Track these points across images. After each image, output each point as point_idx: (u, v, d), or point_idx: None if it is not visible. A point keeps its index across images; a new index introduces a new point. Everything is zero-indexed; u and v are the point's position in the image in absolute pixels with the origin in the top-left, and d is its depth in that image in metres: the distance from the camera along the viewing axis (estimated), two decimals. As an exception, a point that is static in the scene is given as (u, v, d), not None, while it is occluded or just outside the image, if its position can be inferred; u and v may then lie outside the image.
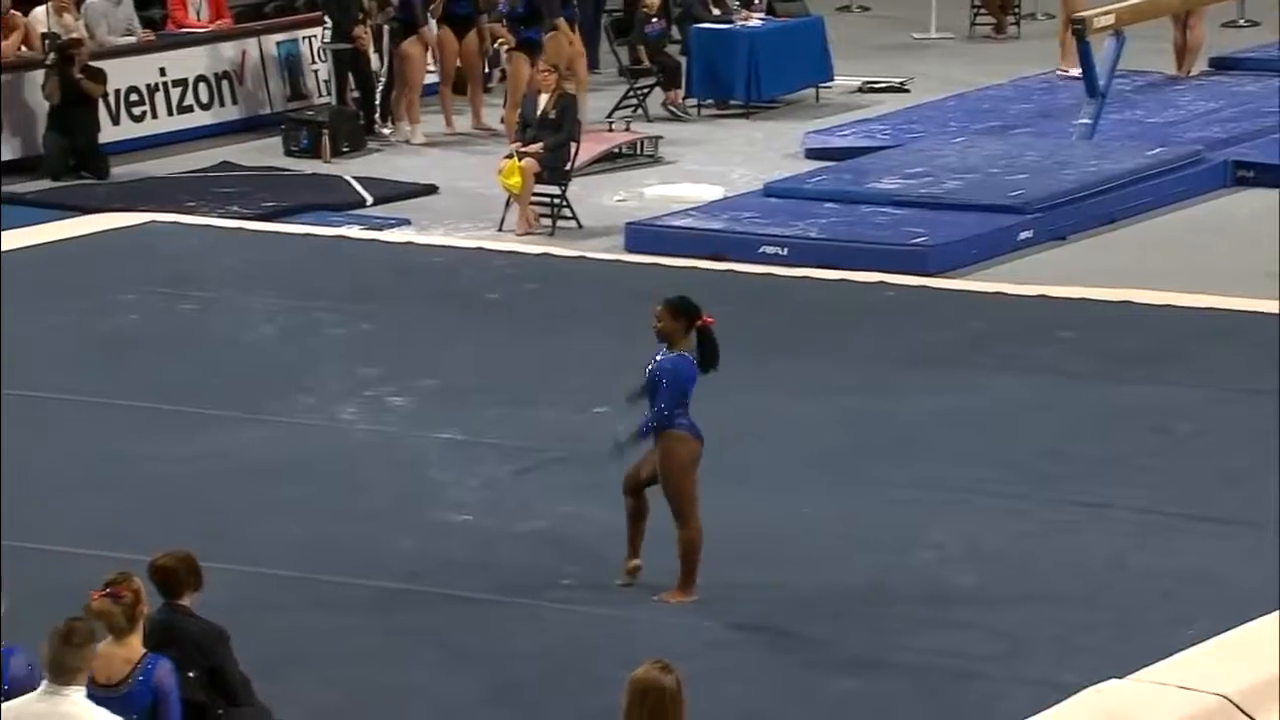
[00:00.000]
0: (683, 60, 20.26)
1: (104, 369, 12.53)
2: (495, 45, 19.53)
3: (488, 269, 14.74)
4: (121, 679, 6.73)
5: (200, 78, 19.07)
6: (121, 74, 18.39)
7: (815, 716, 8.60)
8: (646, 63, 20.01)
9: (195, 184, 17.40)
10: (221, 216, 16.23)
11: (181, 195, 16.88)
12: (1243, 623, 9.15)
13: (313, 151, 18.26)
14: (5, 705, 6.48)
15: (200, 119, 19.00)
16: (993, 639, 9.14)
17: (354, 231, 15.97)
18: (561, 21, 18.58)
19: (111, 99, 18.25)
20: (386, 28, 19.11)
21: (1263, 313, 13.28)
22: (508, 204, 16.25)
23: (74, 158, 17.67)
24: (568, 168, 16.31)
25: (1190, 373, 12.38)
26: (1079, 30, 17.71)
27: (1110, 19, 17.94)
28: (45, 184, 17.39)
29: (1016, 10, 23.92)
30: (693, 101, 20.08)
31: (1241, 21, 23.37)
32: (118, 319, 13.59)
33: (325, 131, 18.30)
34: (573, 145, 16.33)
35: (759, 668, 8.93)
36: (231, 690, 7.53)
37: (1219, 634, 9.06)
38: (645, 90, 19.85)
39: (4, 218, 16.02)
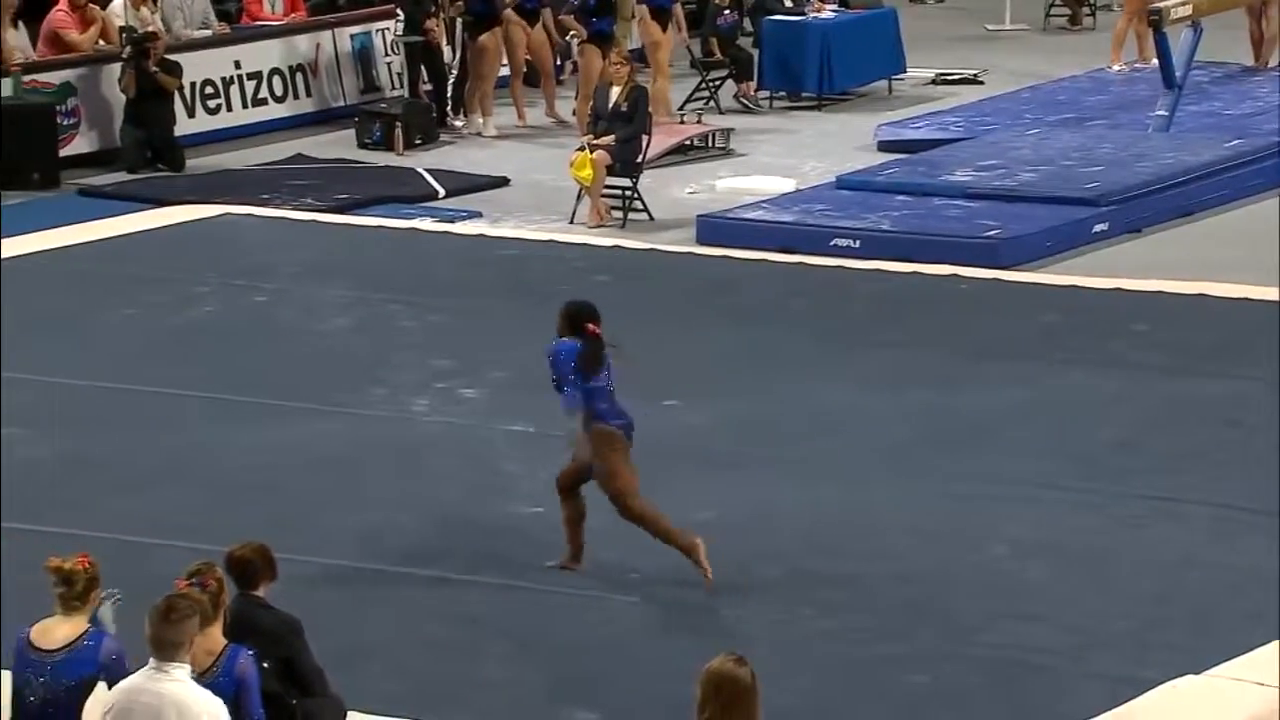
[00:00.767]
0: (755, 53, 20.23)
1: (179, 360, 12.60)
2: (567, 38, 19.56)
3: (559, 261, 14.75)
4: (205, 670, 6.78)
5: (274, 70, 19.16)
6: (197, 67, 18.50)
7: (887, 710, 8.57)
8: (719, 55, 20.00)
9: (269, 176, 17.47)
10: (295, 209, 16.30)
11: (256, 188, 16.96)
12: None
13: (385, 144, 18.31)
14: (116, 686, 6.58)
15: (274, 111, 19.09)
16: (1065, 634, 9.09)
17: (426, 224, 16.02)
18: (646, 10, 18.70)
19: (187, 91, 18.36)
20: (459, 20, 19.16)
21: (1339, 306, 13.17)
22: (579, 196, 16.26)
23: (150, 150, 17.78)
24: (639, 160, 16.31)
25: (1264, 367, 12.27)
26: (1156, 21, 17.58)
27: (1188, 9, 17.80)
28: (122, 176, 17.51)
29: (1092, 2, 23.78)
30: (765, 94, 20.04)
31: (1319, 12, 23.17)
32: (192, 311, 13.67)
33: (398, 124, 18.35)
34: (644, 138, 16.33)
35: (831, 661, 8.91)
36: (305, 681, 7.57)
37: (1293, 630, 9.00)
38: (717, 83, 19.84)
39: (82, 210, 16.16)
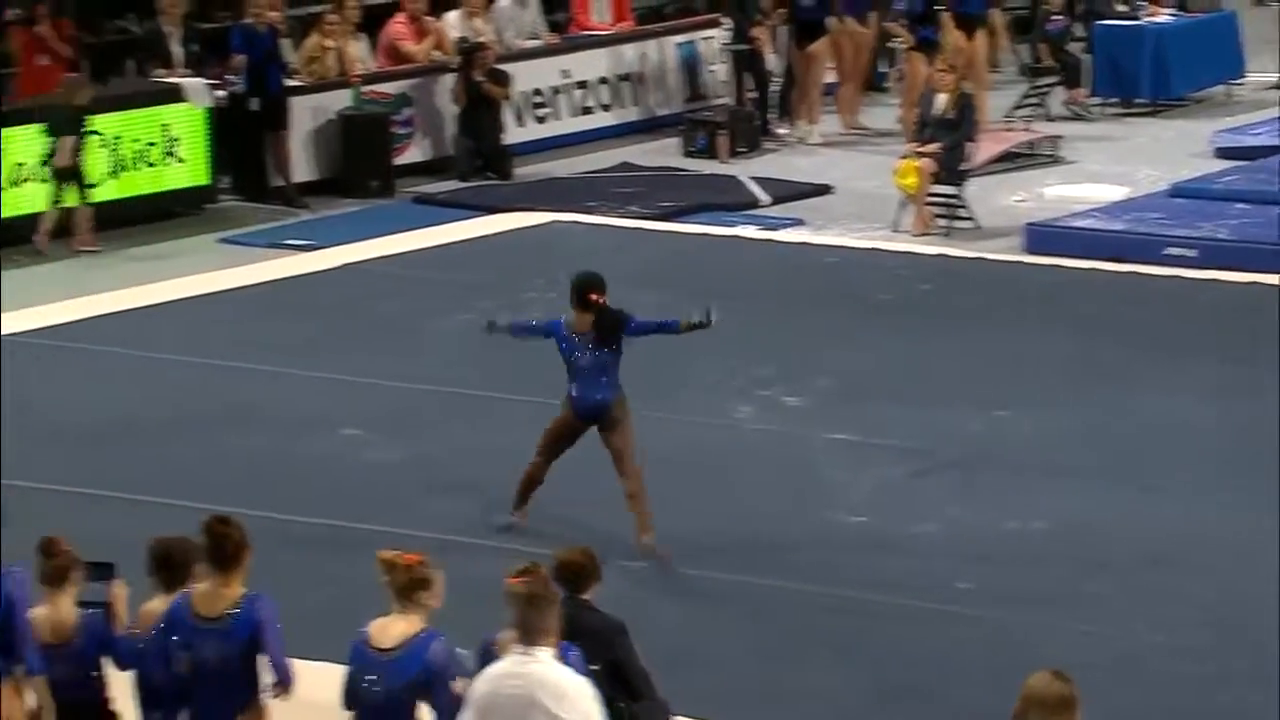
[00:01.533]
0: (1085, 58, 19.88)
1: (505, 365, 12.76)
2: (893, 44, 19.42)
3: (882, 269, 14.64)
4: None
5: (602, 79, 19.35)
6: (526, 76, 18.77)
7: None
8: (1048, 61, 19.69)
9: (596, 184, 17.65)
10: (621, 216, 16.44)
11: (583, 195, 17.14)
12: None
13: (710, 152, 18.38)
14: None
15: (601, 120, 19.28)
16: None
17: (749, 231, 16.03)
18: (947, 17, 18.43)
19: (516, 100, 18.64)
20: (784, 28, 19.15)
21: None
22: (902, 204, 16.13)
23: (480, 159, 18.09)
24: (965, 168, 16.13)
25: None
26: None
27: None
28: (454, 184, 17.84)
29: None
30: (1096, 100, 19.69)
31: None
32: (520, 317, 13.83)
33: (722, 132, 18.41)
34: (970, 145, 16.14)
35: (1162, 681, 8.68)
36: (633, 683, 7.58)
37: None
38: (1046, 89, 19.53)
39: (416, 217, 16.50)
